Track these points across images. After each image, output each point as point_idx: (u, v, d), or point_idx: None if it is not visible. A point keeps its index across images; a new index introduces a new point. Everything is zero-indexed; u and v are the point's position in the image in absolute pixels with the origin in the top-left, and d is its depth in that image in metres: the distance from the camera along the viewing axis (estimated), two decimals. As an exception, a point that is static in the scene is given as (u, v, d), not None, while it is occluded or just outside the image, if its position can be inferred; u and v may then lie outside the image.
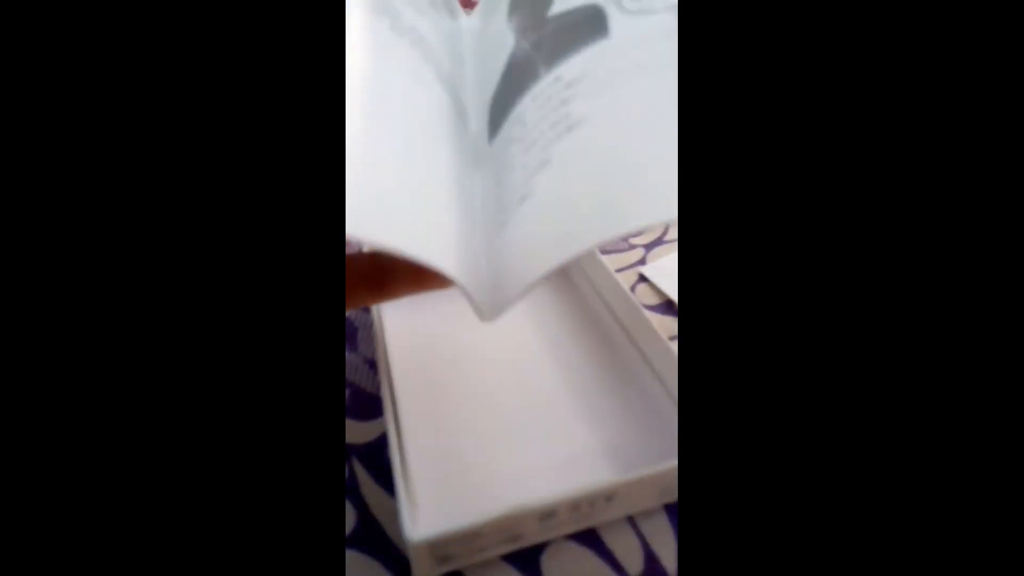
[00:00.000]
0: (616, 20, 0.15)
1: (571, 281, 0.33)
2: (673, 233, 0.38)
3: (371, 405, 0.26)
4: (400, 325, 0.29)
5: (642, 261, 0.36)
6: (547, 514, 0.18)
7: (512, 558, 0.20)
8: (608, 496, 0.19)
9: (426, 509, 0.20)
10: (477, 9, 0.21)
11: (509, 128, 0.16)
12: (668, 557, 0.20)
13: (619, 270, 0.35)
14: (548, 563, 0.20)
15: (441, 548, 0.18)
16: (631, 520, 0.21)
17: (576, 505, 0.19)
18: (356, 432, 0.24)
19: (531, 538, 0.20)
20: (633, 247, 0.37)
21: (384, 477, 0.22)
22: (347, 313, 0.31)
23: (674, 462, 0.19)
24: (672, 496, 0.21)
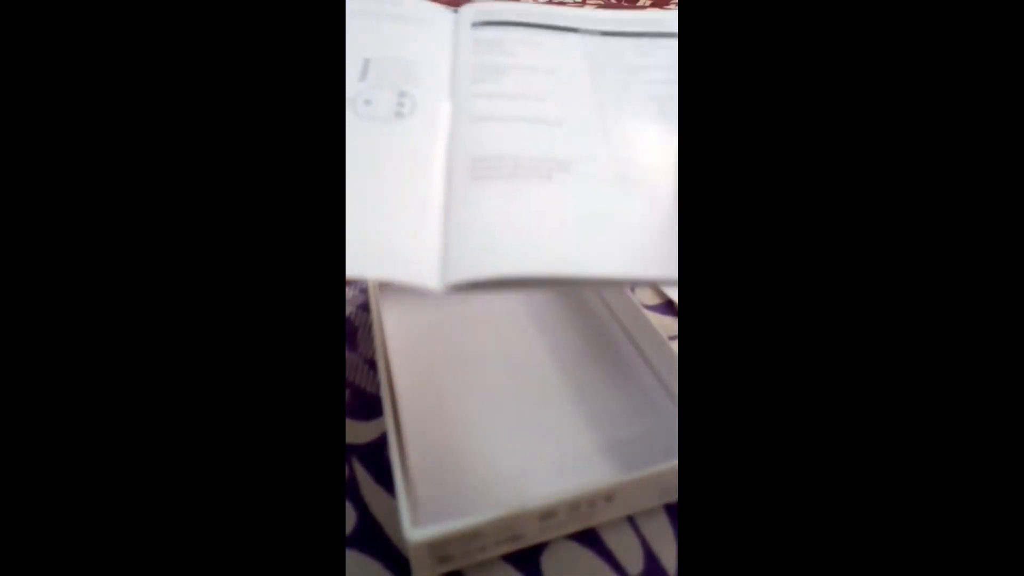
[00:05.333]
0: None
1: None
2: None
3: (371, 405, 0.26)
4: (400, 325, 0.29)
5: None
6: (547, 514, 0.18)
7: (512, 558, 0.20)
8: (608, 496, 0.19)
9: (426, 509, 0.20)
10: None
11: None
12: (668, 557, 0.20)
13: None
14: (548, 563, 0.20)
15: (441, 548, 0.18)
16: (631, 520, 0.21)
17: (576, 505, 0.19)
18: (356, 432, 0.24)
19: (531, 538, 0.19)
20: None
21: (384, 477, 0.22)
22: (347, 313, 0.31)
23: (674, 462, 0.19)
24: (672, 496, 0.21)
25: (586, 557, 0.20)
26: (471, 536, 0.18)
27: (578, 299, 0.31)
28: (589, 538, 0.20)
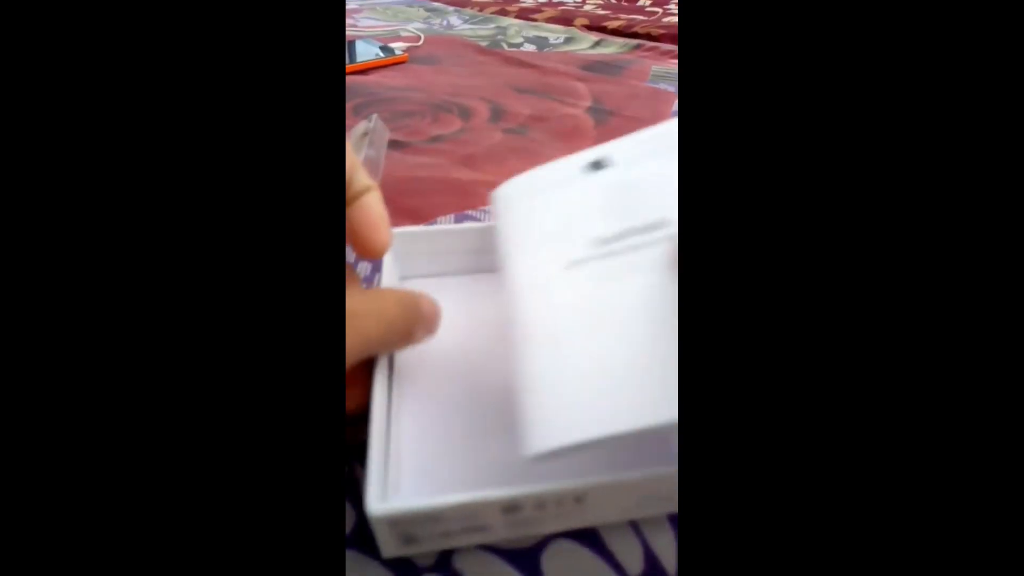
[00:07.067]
0: None
1: None
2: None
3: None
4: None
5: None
6: (510, 508, 0.18)
7: (512, 556, 0.20)
8: (578, 497, 0.19)
9: (410, 489, 0.20)
10: None
11: None
12: (668, 557, 0.20)
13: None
14: (548, 562, 0.20)
15: (403, 526, 0.18)
16: (631, 520, 0.21)
17: (541, 503, 0.18)
18: (356, 432, 0.24)
19: (499, 532, 0.19)
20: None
21: (384, 477, 0.22)
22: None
23: (653, 471, 0.19)
24: (654, 508, 0.21)
25: (586, 556, 0.20)
26: (430, 518, 0.18)
27: None
28: (589, 537, 0.20)
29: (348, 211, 0.22)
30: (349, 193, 0.22)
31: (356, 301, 0.19)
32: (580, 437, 0.17)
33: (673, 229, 0.20)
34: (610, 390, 0.18)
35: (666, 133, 0.23)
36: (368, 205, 0.23)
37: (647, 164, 0.23)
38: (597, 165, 0.24)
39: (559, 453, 0.17)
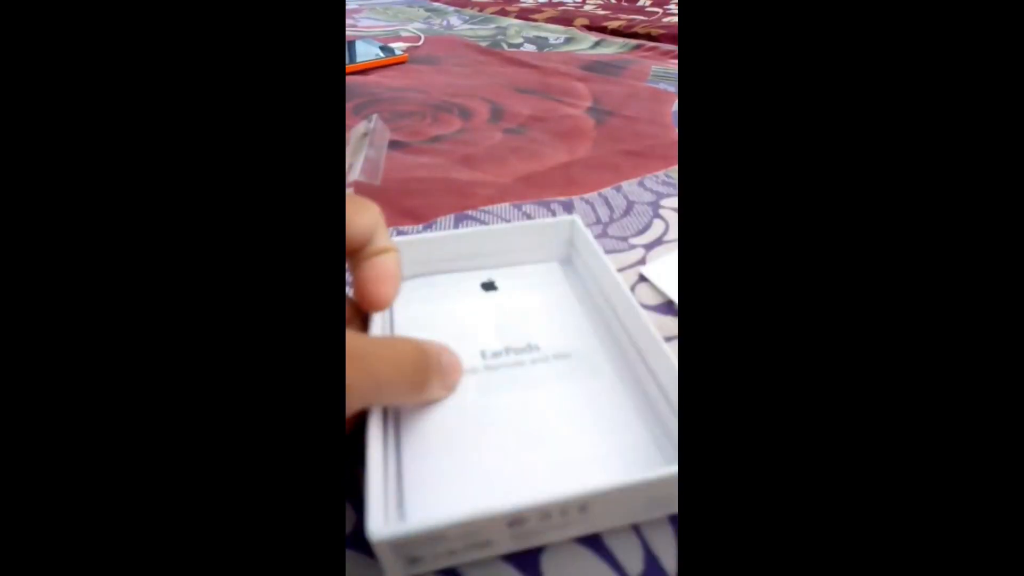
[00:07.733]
0: None
1: (578, 277, 0.33)
2: (673, 233, 0.38)
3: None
4: (401, 323, 0.29)
5: (642, 261, 0.36)
6: (515, 521, 0.18)
7: (512, 558, 0.20)
8: (582, 506, 0.18)
9: (412, 508, 0.20)
10: None
11: None
12: (668, 557, 0.20)
13: (619, 270, 0.35)
14: (548, 563, 0.20)
15: (406, 548, 0.17)
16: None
17: (546, 513, 0.18)
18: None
19: (504, 545, 0.19)
20: (633, 247, 0.37)
21: (384, 477, 0.22)
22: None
23: (654, 473, 0.19)
24: (657, 511, 0.21)
25: (586, 557, 0.20)
26: (434, 538, 0.17)
27: (589, 301, 0.31)
28: (589, 538, 0.20)
29: (363, 265, 0.23)
30: (369, 249, 0.23)
31: (367, 342, 0.19)
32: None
33: (543, 353, 0.26)
34: (470, 486, 0.20)
35: (541, 270, 0.29)
36: (384, 262, 0.23)
37: (525, 294, 0.29)
38: (489, 286, 0.29)
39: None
